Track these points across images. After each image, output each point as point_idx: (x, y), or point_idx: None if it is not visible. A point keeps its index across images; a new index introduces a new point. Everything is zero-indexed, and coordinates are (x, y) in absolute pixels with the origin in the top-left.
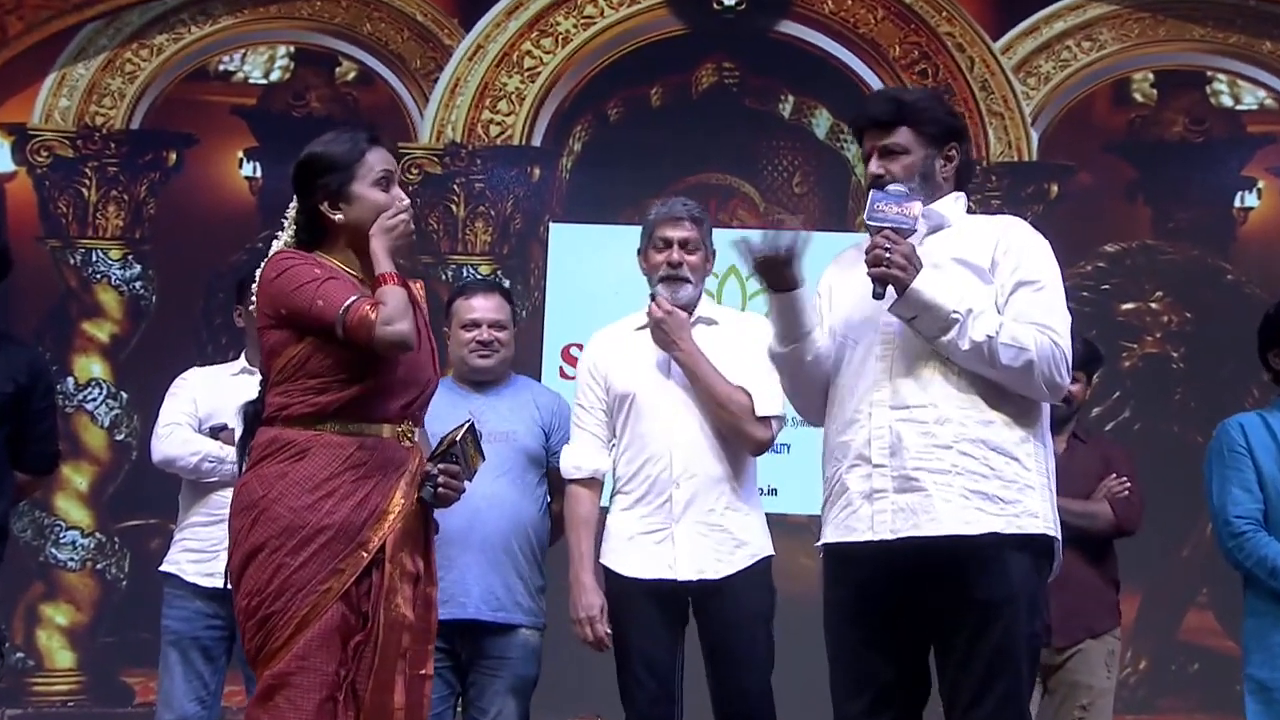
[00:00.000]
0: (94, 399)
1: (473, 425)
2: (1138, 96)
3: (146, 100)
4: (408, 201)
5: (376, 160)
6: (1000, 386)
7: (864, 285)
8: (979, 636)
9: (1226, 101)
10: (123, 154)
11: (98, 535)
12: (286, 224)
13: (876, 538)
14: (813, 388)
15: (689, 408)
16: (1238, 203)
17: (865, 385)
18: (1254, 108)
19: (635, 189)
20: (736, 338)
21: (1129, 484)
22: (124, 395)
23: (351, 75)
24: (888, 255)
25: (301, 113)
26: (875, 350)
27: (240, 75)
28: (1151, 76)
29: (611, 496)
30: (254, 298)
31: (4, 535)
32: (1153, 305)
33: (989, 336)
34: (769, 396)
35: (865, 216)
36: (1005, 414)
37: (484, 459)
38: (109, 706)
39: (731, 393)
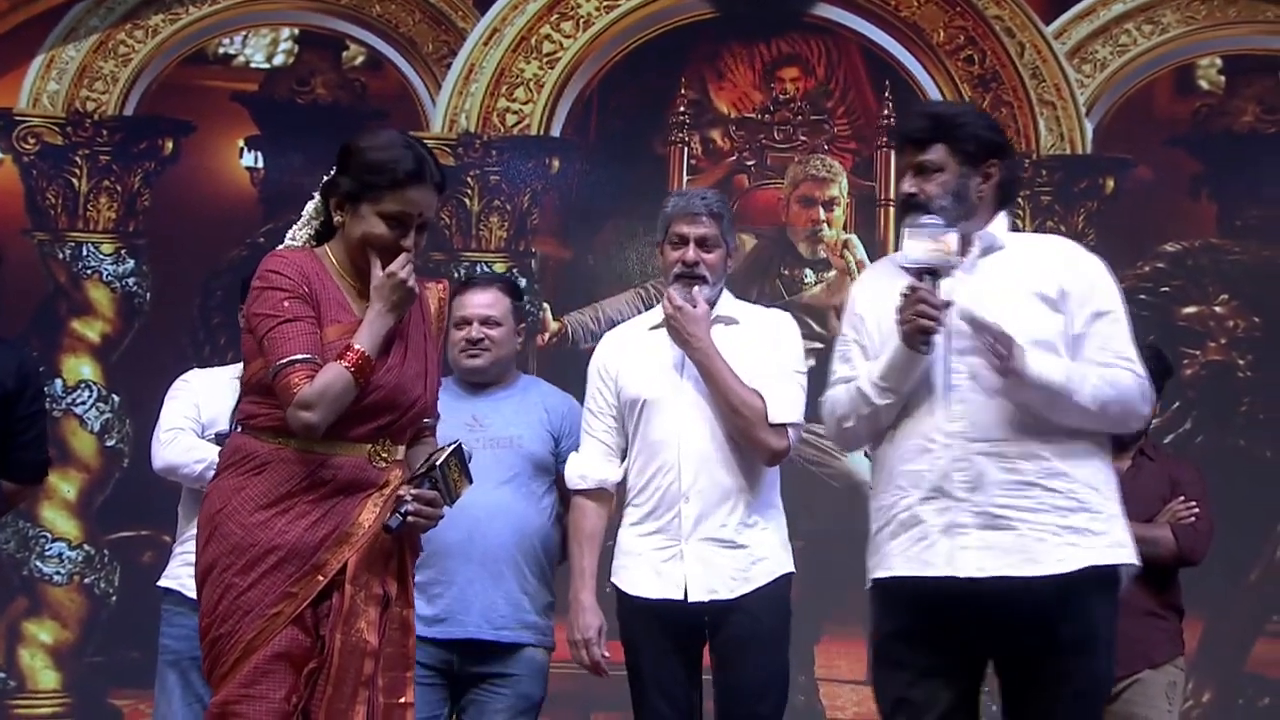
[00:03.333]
0: (84, 402)
1: (459, 447)
2: (1203, 84)
3: (141, 85)
4: (409, 247)
5: (400, 199)
6: None
7: None
8: (1062, 679)
9: None
10: (115, 142)
11: (86, 548)
12: (309, 206)
13: (960, 574)
14: (879, 432)
15: (703, 414)
16: None
17: (938, 415)
18: None
19: (658, 182)
20: (758, 338)
21: (1196, 509)
22: (115, 398)
23: (359, 60)
24: (930, 316)
25: (306, 99)
26: (945, 378)
27: (241, 59)
28: (1219, 62)
29: (623, 509)
30: None
31: None
32: (1217, 309)
33: (1096, 400)
34: (786, 402)
35: (900, 259)
36: (1084, 443)
37: (470, 483)
38: None
39: (747, 397)
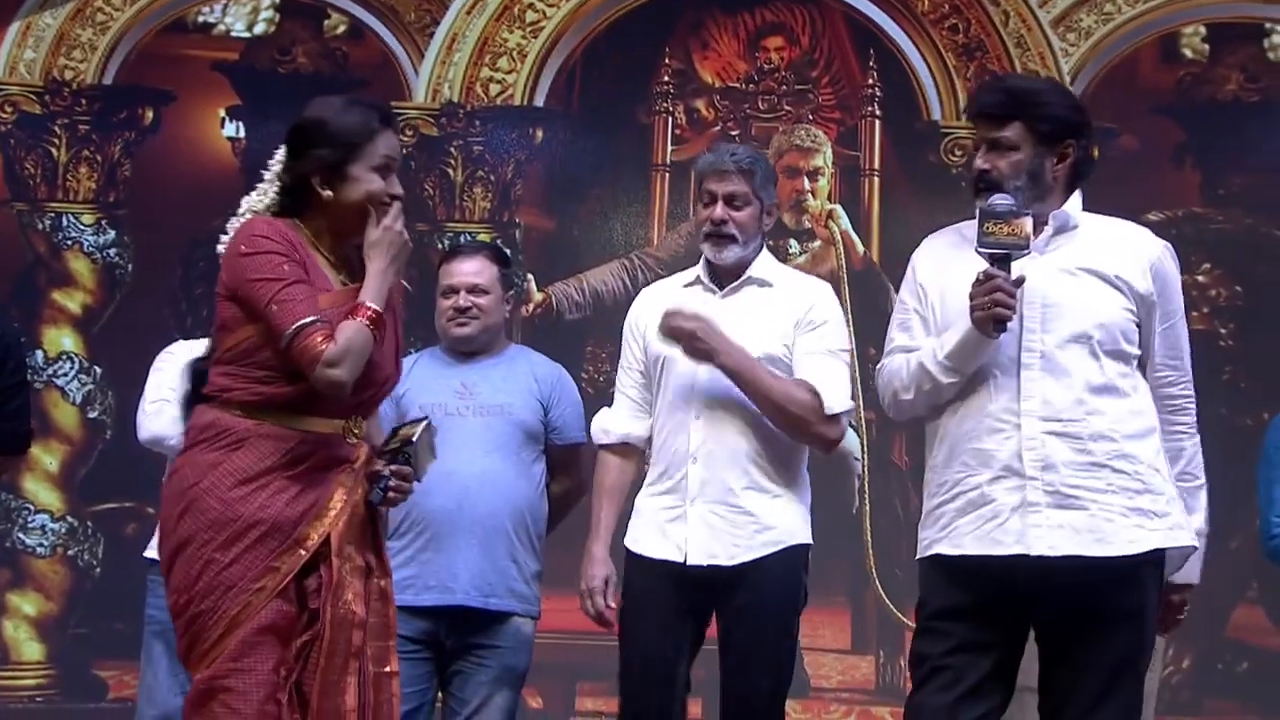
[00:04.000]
0: (65, 374)
1: (429, 424)
2: (1188, 52)
3: (120, 53)
4: (402, 194)
5: (384, 145)
6: (1140, 400)
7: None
8: (1105, 644)
9: None
10: (95, 111)
11: (69, 519)
12: (266, 181)
13: (1031, 553)
14: (938, 407)
15: (721, 375)
16: None
17: (1008, 393)
18: None
19: (642, 152)
20: (792, 306)
21: None
22: (97, 370)
23: (341, 29)
24: (1005, 304)
25: (288, 69)
26: (1018, 357)
27: (221, 28)
28: (1203, 30)
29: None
30: None
31: None
32: (1200, 278)
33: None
34: (838, 388)
35: (976, 244)
36: (1146, 424)
37: (434, 459)
38: (81, 701)
39: (794, 393)
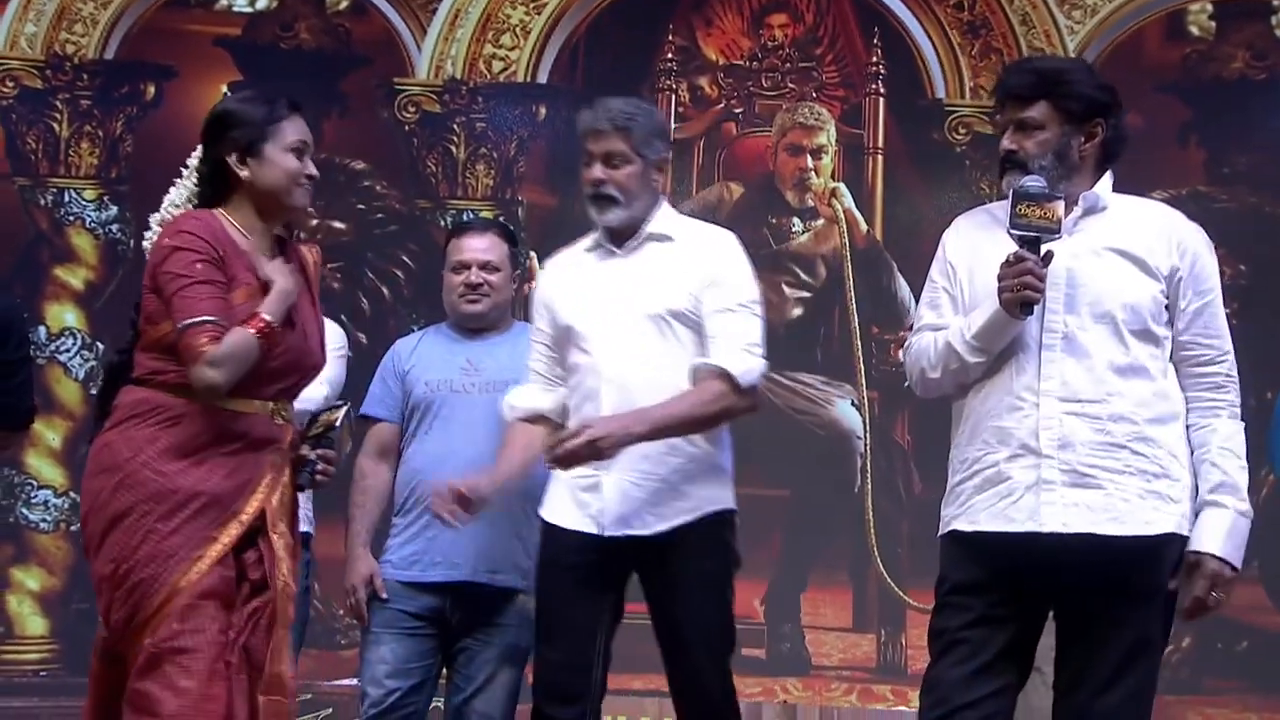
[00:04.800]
0: (68, 350)
1: (349, 410)
2: (1194, 30)
3: (122, 28)
4: (315, 174)
5: (293, 128)
6: (1165, 384)
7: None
8: (1122, 623)
9: None
10: (96, 86)
11: (72, 495)
12: (186, 173)
13: (1043, 530)
14: (964, 386)
15: (626, 339)
16: None
17: (1029, 372)
18: None
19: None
20: (694, 259)
21: None
22: (100, 346)
23: (344, 4)
24: (1033, 286)
25: (290, 44)
26: (1040, 337)
27: (224, 2)
28: (1210, 7)
29: None
30: None
31: None
32: None
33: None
34: (749, 351)
35: (1008, 225)
36: (1169, 409)
37: (351, 444)
38: (84, 676)
39: (701, 400)
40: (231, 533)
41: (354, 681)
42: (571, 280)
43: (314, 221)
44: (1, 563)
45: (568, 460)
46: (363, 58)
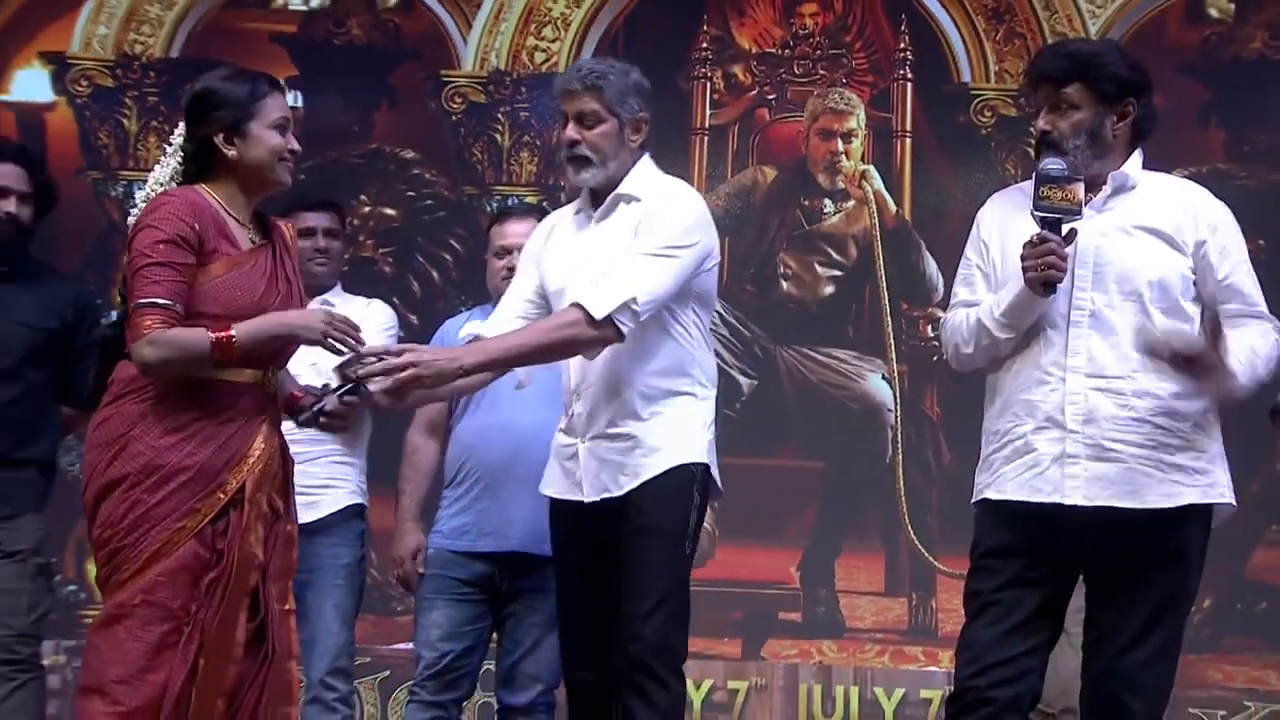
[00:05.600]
0: None
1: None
2: (1213, 11)
3: (185, 27)
4: (298, 148)
5: (275, 105)
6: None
7: None
8: (1148, 585)
9: None
10: (163, 83)
11: None
12: (170, 151)
13: (1067, 502)
14: (997, 360)
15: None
16: None
17: (1057, 348)
18: None
19: (682, 117)
20: (646, 215)
21: None
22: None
23: (393, 1)
24: (1056, 266)
25: (343, 40)
26: (1067, 314)
27: (280, 1)
28: None
29: None
30: None
31: (52, 470)
32: None
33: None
34: (619, 288)
35: (1032, 208)
36: (1195, 385)
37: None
38: None
39: (552, 333)
40: (211, 504)
41: (409, 645)
42: (553, 242)
43: (366, 209)
44: (81, 533)
45: (397, 393)
46: (411, 52)
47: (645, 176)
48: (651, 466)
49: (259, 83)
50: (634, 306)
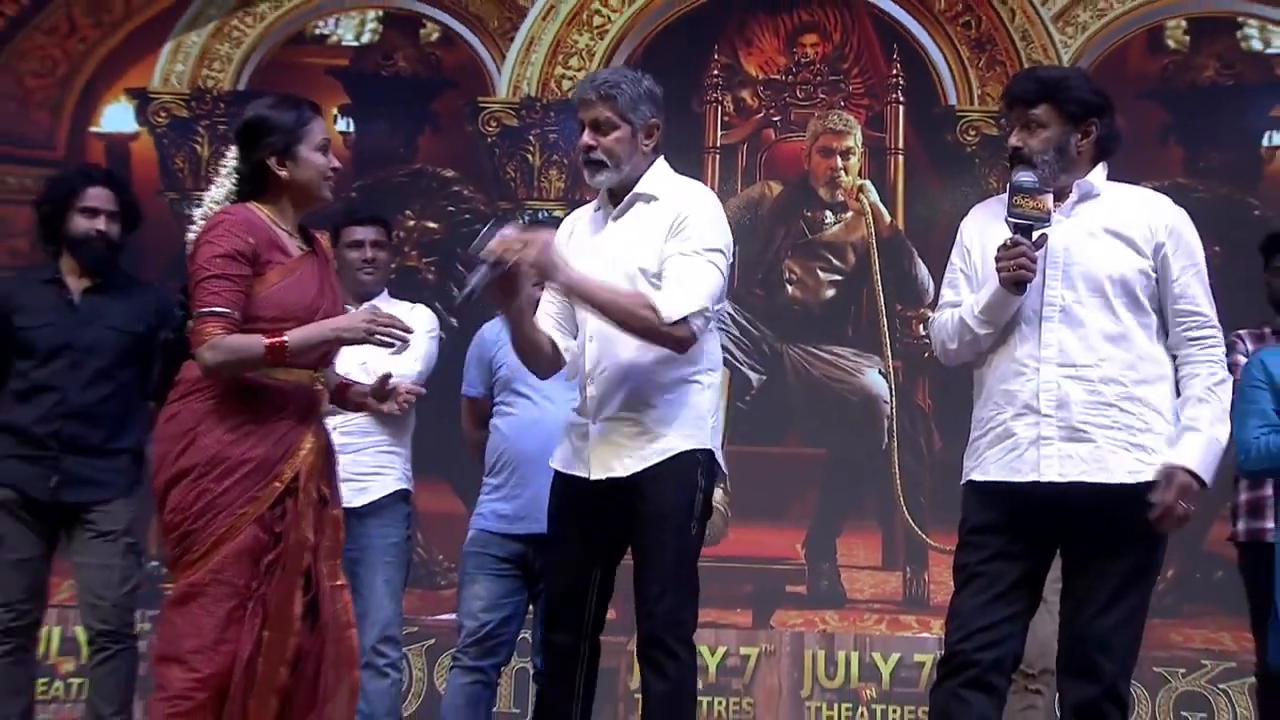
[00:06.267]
0: None
1: (485, 274)
2: (1170, 43)
3: (251, 63)
4: (339, 166)
5: (319, 129)
6: (1152, 349)
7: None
8: (1117, 556)
9: (1256, 46)
10: (231, 113)
11: None
12: (224, 173)
13: (1043, 479)
14: (980, 353)
15: None
16: (1265, 142)
17: (1032, 341)
18: None
19: (695, 137)
20: (669, 217)
21: None
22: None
23: (435, 36)
24: (1026, 267)
25: (390, 72)
26: (1040, 310)
27: (334, 38)
28: (1184, 23)
29: None
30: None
31: (141, 459)
32: None
33: (1226, 421)
34: (679, 296)
35: (1006, 215)
36: (1157, 370)
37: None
38: None
39: (629, 306)
40: (269, 493)
41: (452, 616)
42: (575, 239)
43: (411, 222)
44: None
45: (507, 285)
46: (451, 81)
47: (661, 177)
48: (656, 452)
49: (303, 109)
50: (706, 314)
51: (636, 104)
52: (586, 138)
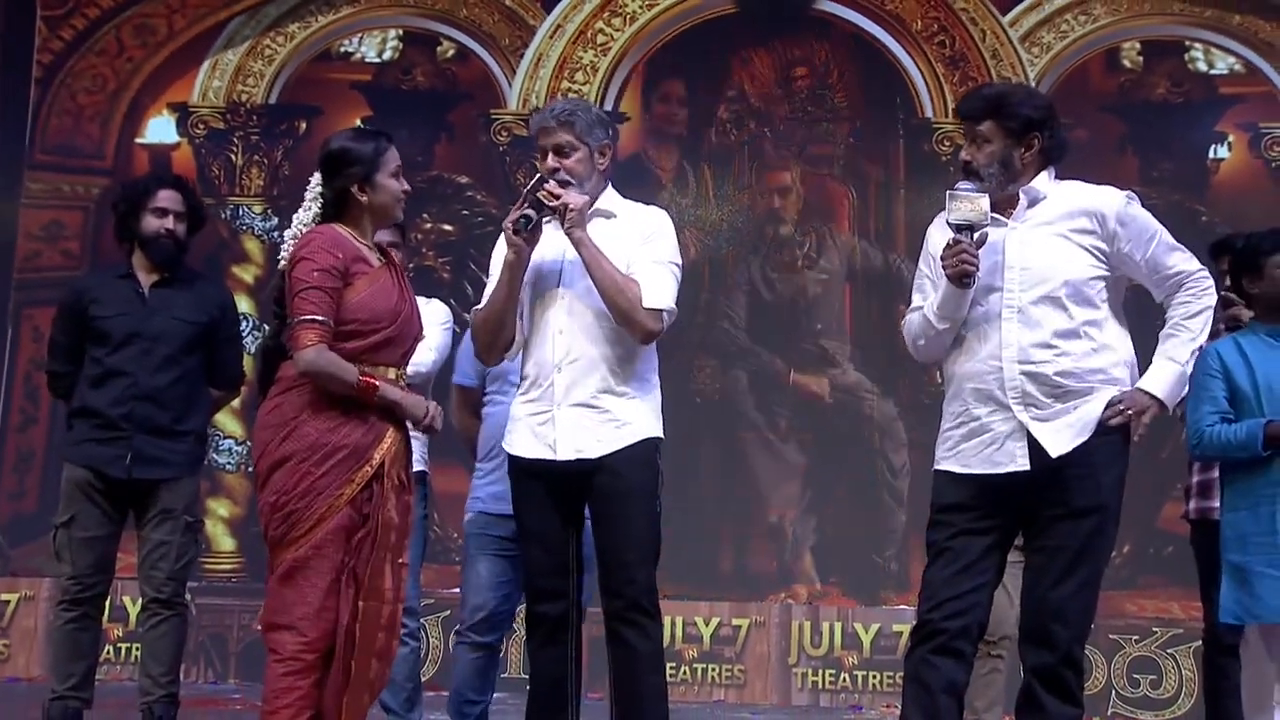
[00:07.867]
0: (243, 330)
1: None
2: (1126, 63)
3: (281, 79)
4: (410, 189)
5: (393, 157)
6: (1107, 338)
7: (980, 255)
8: (1070, 534)
9: (1202, 67)
10: (263, 125)
11: (249, 443)
12: (309, 198)
13: (1020, 469)
14: (945, 348)
15: (578, 295)
16: (1211, 154)
17: (994, 341)
18: (1225, 73)
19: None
20: (632, 232)
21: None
22: (265, 328)
23: (450, 53)
24: (968, 262)
25: (409, 86)
26: (999, 311)
27: (358, 55)
28: (1139, 45)
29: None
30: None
31: (204, 441)
32: None
33: (1194, 346)
34: (658, 290)
35: (947, 216)
36: (1108, 340)
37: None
38: (262, 582)
39: (624, 284)
40: (362, 476)
41: None
42: (540, 247)
43: (428, 225)
44: (201, 496)
45: (575, 211)
46: (466, 94)
47: (615, 197)
48: (624, 437)
49: (380, 140)
50: (669, 315)
51: (591, 128)
52: (551, 161)
